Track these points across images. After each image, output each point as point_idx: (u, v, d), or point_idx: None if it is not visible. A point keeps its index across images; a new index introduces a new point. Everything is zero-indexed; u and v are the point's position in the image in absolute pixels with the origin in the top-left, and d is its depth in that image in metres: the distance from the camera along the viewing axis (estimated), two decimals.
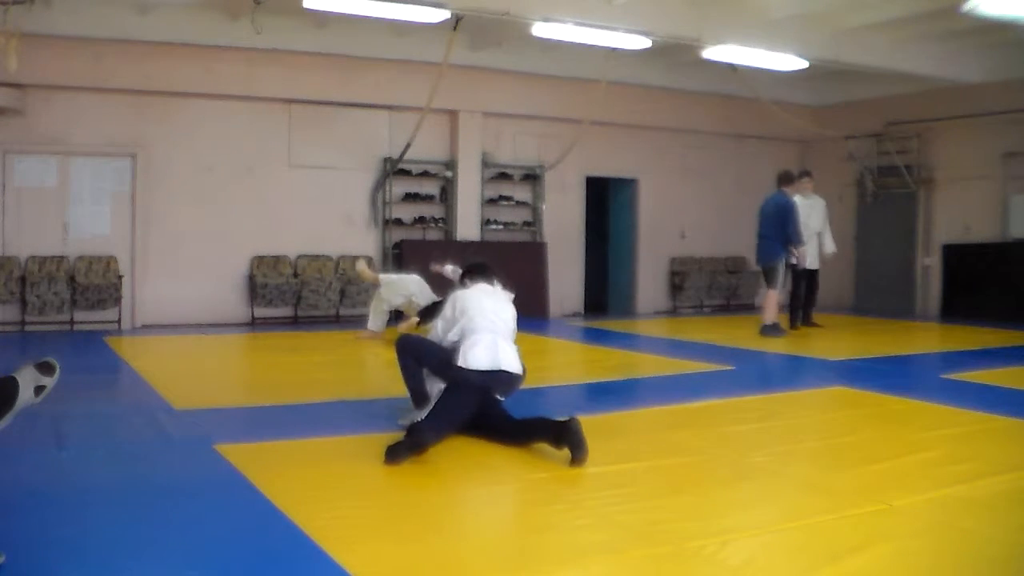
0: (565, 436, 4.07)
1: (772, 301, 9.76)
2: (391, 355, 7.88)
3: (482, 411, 4.52)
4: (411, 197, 11.74)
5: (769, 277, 9.88)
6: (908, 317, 12.59)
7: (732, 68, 10.80)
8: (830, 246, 10.72)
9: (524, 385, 4.81)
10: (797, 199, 9.96)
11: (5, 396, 2.86)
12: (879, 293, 13.48)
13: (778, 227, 9.68)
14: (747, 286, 13.96)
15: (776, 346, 9.02)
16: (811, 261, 10.26)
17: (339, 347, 8.84)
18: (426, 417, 4.39)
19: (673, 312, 13.47)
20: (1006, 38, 10.11)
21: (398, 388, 5.54)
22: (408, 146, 10.82)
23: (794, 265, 9.95)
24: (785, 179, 9.97)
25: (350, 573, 2.74)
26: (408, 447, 4.03)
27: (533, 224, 12.54)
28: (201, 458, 4.17)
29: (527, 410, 4.73)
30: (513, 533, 3.25)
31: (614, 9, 8.98)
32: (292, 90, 10.80)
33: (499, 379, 4.58)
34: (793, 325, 10.26)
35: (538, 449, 4.28)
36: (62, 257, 9.91)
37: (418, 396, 4.75)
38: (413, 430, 4.15)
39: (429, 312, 7.82)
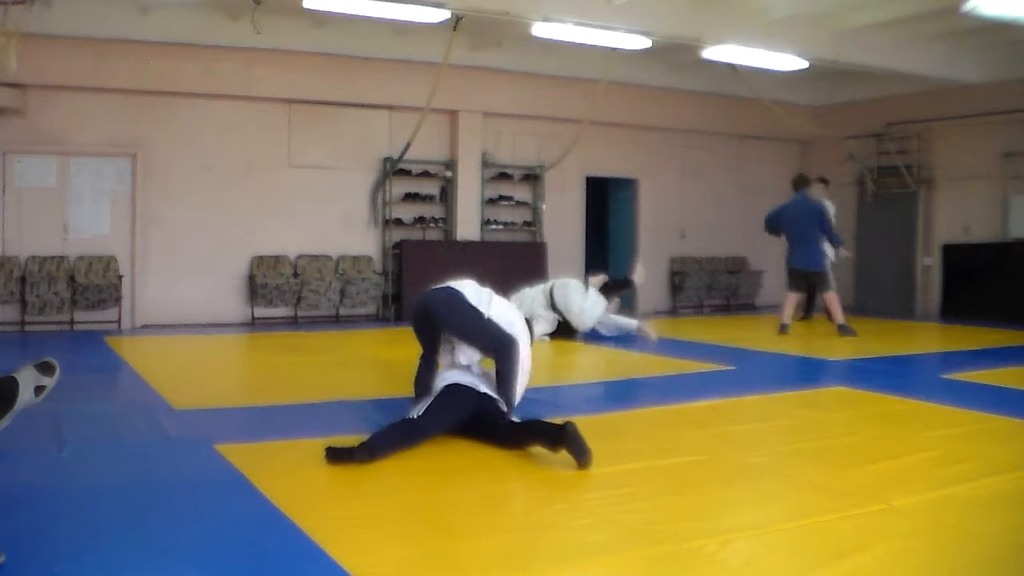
0: (562, 441, 4.00)
1: (835, 302, 10.03)
2: (390, 355, 7.97)
3: (477, 414, 4.50)
4: (411, 197, 11.74)
5: (823, 281, 10.04)
6: (908, 317, 12.59)
7: (732, 68, 10.80)
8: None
9: (526, 385, 4.79)
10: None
11: (5, 396, 2.85)
12: (879, 293, 13.47)
13: (817, 230, 9.99)
14: (747, 286, 13.97)
15: (777, 346, 9.02)
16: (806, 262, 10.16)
17: (339, 347, 8.84)
18: (393, 428, 4.27)
19: (673, 312, 13.46)
20: (1006, 38, 10.12)
21: (398, 388, 5.57)
22: (408, 146, 10.81)
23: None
24: (803, 182, 10.30)
25: (350, 573, 2.74)
26: (355, 456, 3.96)
27: (533, 224, 12.53)
28: (201, 458, 4.17)
29: (529, 409, 4.73)
30: (513, 533, 3.25)
31: (614, 9, 8.97)
32: (292, 90, 10.80)
33: None
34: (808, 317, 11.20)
35: (536, 451, 4.27)
36: (62, 257, 9.91)
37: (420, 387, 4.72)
38: (370, 443, 4.04)
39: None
